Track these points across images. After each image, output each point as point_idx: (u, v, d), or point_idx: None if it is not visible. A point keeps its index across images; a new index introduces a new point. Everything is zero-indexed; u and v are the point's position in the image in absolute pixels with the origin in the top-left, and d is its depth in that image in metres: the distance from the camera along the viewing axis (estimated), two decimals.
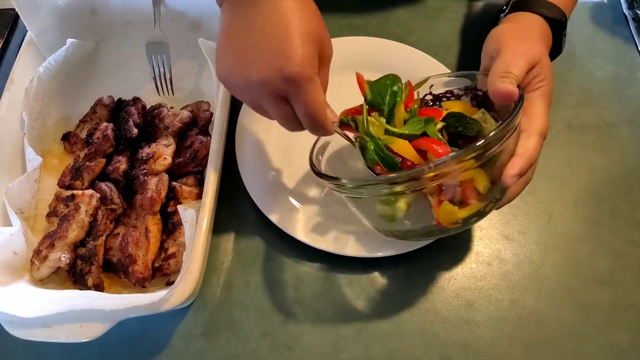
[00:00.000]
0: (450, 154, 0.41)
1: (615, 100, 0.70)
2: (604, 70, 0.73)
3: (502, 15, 0.60)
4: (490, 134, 0.41)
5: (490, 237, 0.60)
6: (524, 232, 0.60)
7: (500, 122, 0.48)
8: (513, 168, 0.44)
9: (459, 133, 0.51)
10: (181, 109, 0.65)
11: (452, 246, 0.59)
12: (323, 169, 0.57)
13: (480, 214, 0.46)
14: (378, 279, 0.57)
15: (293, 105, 0.44)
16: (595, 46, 0.75)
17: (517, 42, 0.51)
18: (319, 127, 0.46)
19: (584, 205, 0.62)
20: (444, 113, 0.52)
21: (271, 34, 0.42)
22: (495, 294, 0.56)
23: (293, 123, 0.46)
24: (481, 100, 0.55)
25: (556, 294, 0.56)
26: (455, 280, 0.57)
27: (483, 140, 0.40)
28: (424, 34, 0.76)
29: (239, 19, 0.44)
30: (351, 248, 0.56)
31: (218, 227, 0.60)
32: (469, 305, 0.55)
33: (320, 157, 0.57)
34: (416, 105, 0.53)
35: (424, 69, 0.68)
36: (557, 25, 0.56)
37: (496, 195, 0.47)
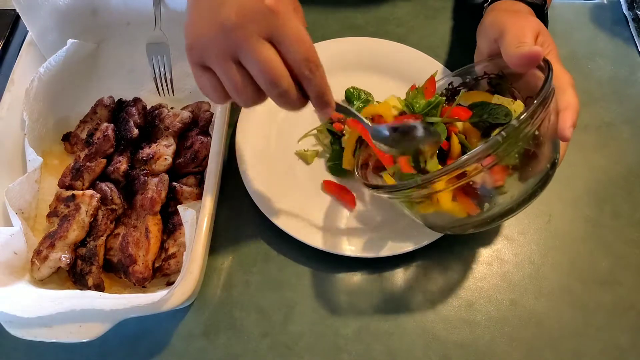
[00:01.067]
0: (515, 118, 0.40)
1: (616, 101, 0.70)
2: (604, 71, 0.73)
3: (485, 5, 0.63)
4: (544, 90, 0.41)
5: (490, 238, 0.60)
6: (524, 233, 0.60)
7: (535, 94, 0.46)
8: (566, 120, 0.45)
9: (488, 122, 0.52)
10: (181, 109, 0.65)
11: (452, 246, 0.59)
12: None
13: (546, 177, 0.46)
14: (378, 279, 0.57)
15: (279, 45, 0.39)
16: (596, 47, 0.75)
17: (517, 20, 0.54)
18: (315, 71, 0.40)
19: (584, 205, 0.62)
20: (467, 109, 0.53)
21: None
22: (495, 294, 0.56)
23: (279, 72, 0.39)
24: (495, 83, 0.56)
25: (556, 294, 0.56)
26: (455, 281, 0.57)
27: (541, 97, 0.41)
28: (425, 34, 0.76)
29: None
30: (351, 248, 0.56)
31: (218, 227, 0.60)
32: (469, 306, 0.55)
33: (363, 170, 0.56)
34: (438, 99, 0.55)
35: (424, 69, 0.68)
36: (538, 8, 0.59)
37: (556, 155, 0.47)
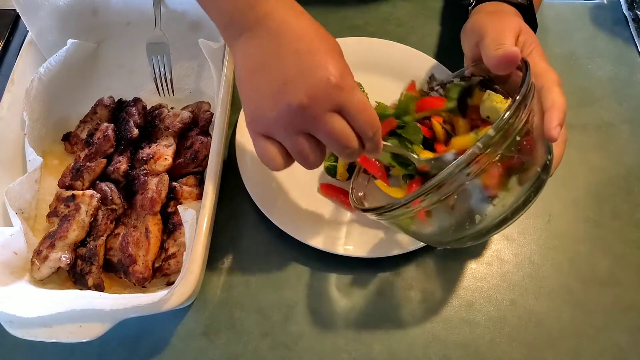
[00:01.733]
0: (491, 126, 0.40)
1: (616, 101, 0.70)
2: (604, 71, 0.73)
3: (470, 8, 0.62)
4: (521, 90, 0.41)
5: (490, 238, 0.60)
6: (524, 233, 0.60)
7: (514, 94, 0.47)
8: (552, 120, 0.45)
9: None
10: (182, 109, 0.65)
11: (452, 247, 0.59)
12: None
13: (539, 182, 0.45)
14: (378, 279, 0.57)
15: (348, 115, 0.41)
16: (596, 47, 0.75)
17: (496, 22, 0.53)
18: (377, 131, 0.43)
19: (584, 205, 0.62)
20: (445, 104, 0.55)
21: (307, 53, 0.40)
22: (495, 294, 0.56)
23: (351, 138, 0.42)
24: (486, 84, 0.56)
25: (556, 294, 0.56)
26: (455, 281, 0.57)
27: (519, 97, 0.40)
28: (425, 35, 0.76)
29: (262, 50, 0.42)
30: (351, 248, 0.56)
31: (218, 227, 0.60)
32: (469, 306, 0.55)
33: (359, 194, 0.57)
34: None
35: (424, 69, 0.68)
36: (525, 9, 0.58)
37: (547, 158, 0.46)
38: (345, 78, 0.40)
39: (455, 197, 0.42)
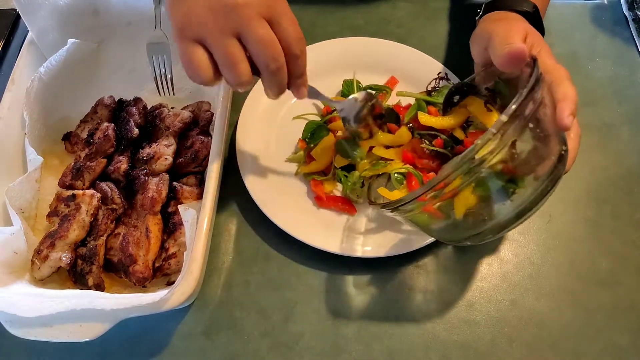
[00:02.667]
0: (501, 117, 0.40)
1: (616, 101, 0.70)
2: (605, 71, 0.73)
3: (477, 17, 0.63)
4: (530, 81, 0.41)
5: (494, 238, 0.60)
6: (524, 233, 0.60)
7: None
8: (564, 109, 0.45)
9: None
10: (182, 109, 0.65)
11: (452, 247, 0.59)
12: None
13: (556, 172, 0.45)
14: (378, 279, 0.57)
15: (278, 25, 0.43)
16: (596, 47, 0.75)
17: (503, 25, 0.55)
18: (304, 50, 0.44)
19: (584, 205, 0.62)
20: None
21: None
22: (496, 294, 0.56)
23: (279, 49, 0.43)
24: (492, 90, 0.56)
25: (556, 294, 0.56)
26: (455, 281, 0.57)
27: (529, 83, 0.40)
28: (425, 35, 0.76)
29: None
30: (351, 248, 0.56)
31: (218, 227, 0.60)
32: (469, 306, 0.55)
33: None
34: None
35: (424, 69, 0.68)
36: (531, 17, 0.59)
37: (562, 148, 0.46)
38: None
39: (472, 187, 0.42)
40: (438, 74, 0.68)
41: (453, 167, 0.40)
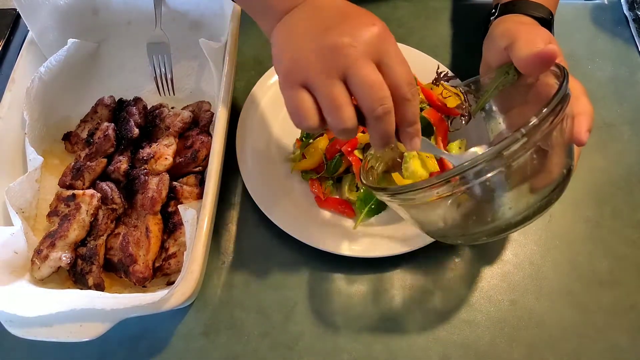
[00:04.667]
0: (534, 118, 0.39)
1: (616, 101, 0.70)
2: (605, 72, 0.73)
3: (492, 18, 0.62)
4: (560, 91, 0.41)
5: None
6: (524, 233, 0.60)
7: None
8: (582, 124, 0.45)
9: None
10: (182, 109, 0.65)
11: (453, 246, 0.59)
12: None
13: (563, 184, 0.45)
14: (378, 279, 0.57)
15: (387, 67, 0.40)
16: (596, 47, 0.75)
17: (528, 29, 0.54)
18: (415, 95, 0.41)
19: (584, 206, 0.62)
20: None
21: (350, 11, 0.42)
22: (496, 294, 0.56)
23: (386, 92, 0.40)
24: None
25: (556, 294, 0.56)
26: (455, 281, 0.57)
27: (559, 97, 0.40)
28: (426, 35, 0.76)
29: (304, 16, 0.43)
30: (351, 248, 0.56)
31: (218, 227, 0.60)
32: (469, 306, 0.55)
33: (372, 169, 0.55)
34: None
35: (425, 69, 0.68)
36: (544, 22, 0.59)
37: (571, 162, 0.46)
38: (387, 30, 0.41)
39: (485, 185, 0.41)
40: (438, 71, 0.67)
41: (474, 161, 0.39)
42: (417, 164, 0.54)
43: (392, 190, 0.44)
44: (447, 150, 0.57)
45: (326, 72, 0.39)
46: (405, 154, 0.54)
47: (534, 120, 0.39)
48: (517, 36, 0.52)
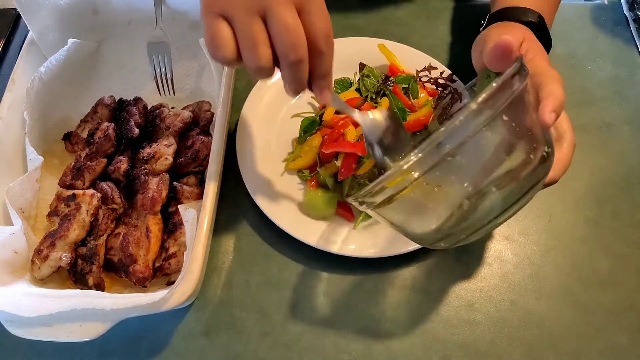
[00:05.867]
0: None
1: (616, 101, 0.70)
2: (605, 72, 0.73)
3: (480, 29, 0.62)
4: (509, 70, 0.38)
5: (491, 238, 0.60)
6: (524, 233, 0.60)
7: None
8: (545, 106, 0.43)
9: None
10: (182, 109, 0.65)
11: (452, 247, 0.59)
12: None
13: (535, 174, 0.42)
14: (378, 279, 0.57)
15: (307, 15, 0.40)
16: (596, 47, 0.75)
17: (501, 29, 0.55)
18: (330, 48, 0.41)
19: (584, 206, 0.62)
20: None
21: None
22: (496, 294, 0.56)
23: (302, 39, 0.40)
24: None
25: (556, 294, 0.56)
26: (456, 281, 0.57)
27: (505, 76, 0.38)
28: (426, 35, 0.76)
29: None
30: (351, 248, 0.56)
31: (219, 227, 0.60)
32: (469, 306, 0.55)
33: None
34: None
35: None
36: (537, 28, 0.58)
37: (544, 149, 0.43)
38: None
39: (450, 162, 0.39)
40: (438, 70, 0.68)
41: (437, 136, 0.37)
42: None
43: (360, 193, 0.42)
44: None
45: (247, 8, 0.39)
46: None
47: (488, 91, 0.37)
48: (490, 38, 0.52)
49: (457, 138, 0.37)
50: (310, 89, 0.44)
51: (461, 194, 0.42)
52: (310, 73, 0.42)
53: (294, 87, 0.42)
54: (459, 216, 0.42)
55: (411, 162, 0.37)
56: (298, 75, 0.41)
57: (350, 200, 0.44)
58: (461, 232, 0.44)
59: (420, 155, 0.37)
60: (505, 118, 0.39)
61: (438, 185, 0.41)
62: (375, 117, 0.50)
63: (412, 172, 0.38)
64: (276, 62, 0.41)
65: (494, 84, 0.38)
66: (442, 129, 0.37)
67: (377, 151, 0.50)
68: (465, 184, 0.41)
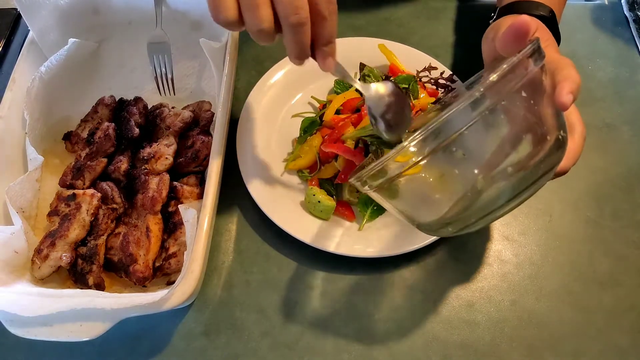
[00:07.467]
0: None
1: (616, 102, 0.70)
2: (605, 72, 0.73)
3: (490, 21, 0.62)
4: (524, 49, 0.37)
5: (491, 238, 0.60)
6: (524, 233, 0.60)
7: None
8: (562, 87, 0.42)
9: None
10: (182, 108, 0.65)
11: (452, 247, 0.59)
12: None
13: (553, 157, 0.41)
14: (378, 279, 0.57)
15: None
16: (596, 48, 0.76)
17: (512, 18, 0.53)
18: (333, 14, 0.40)
19: (584, 206, 0.62)
20: None
21: None
22: (496, 294, 0.56)
23: (304, 1, 0.39)
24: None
25: (557, 294, 0.56)
26: (456, 281, 0.57)
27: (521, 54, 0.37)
28: (426, 35, 0.76)
29: None
30: (351, 248, 0.56)
31: (219, 226, 0.60)
32: (469, 306, 0.55)
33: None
34: None
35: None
36: (546, 20, 0.57)
37: (560, 133, 0.42)
38: None
39: (458, 153, 0.38)
40: (438, 70, 0.68)
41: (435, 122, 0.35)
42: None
43: (363, 173, 0.40)
44: None
45: None
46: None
47: (493, 77, 0.35)
48: (502, 25, 0.51)
49: (475, 110, 0.35)
50: (314, 57, 0.43)
51: (475, 174, 0.40)
52: (313, 40, 0.41)
53: (296, 52, 0.42)
54: (471, 198, 0.40)
55: (421, 137, 0.35)
56: (300, 38, 0.40)
57: (352, 180, 0.42)
58: (471, 216, 0.42)
59: (430, 129, 0.35)
60: (524, 94, 0.38)
61: (449, 166, 0.39)
62: (378, 88, 0.48)
63: (423, 147, 0.36)
64: (278, 27, 0.40)
65: (514, 58, 0.36)
66: (458, 101, 0.35)
67: (381, 125, 0.48)
68: (481, 164, 0.40)
